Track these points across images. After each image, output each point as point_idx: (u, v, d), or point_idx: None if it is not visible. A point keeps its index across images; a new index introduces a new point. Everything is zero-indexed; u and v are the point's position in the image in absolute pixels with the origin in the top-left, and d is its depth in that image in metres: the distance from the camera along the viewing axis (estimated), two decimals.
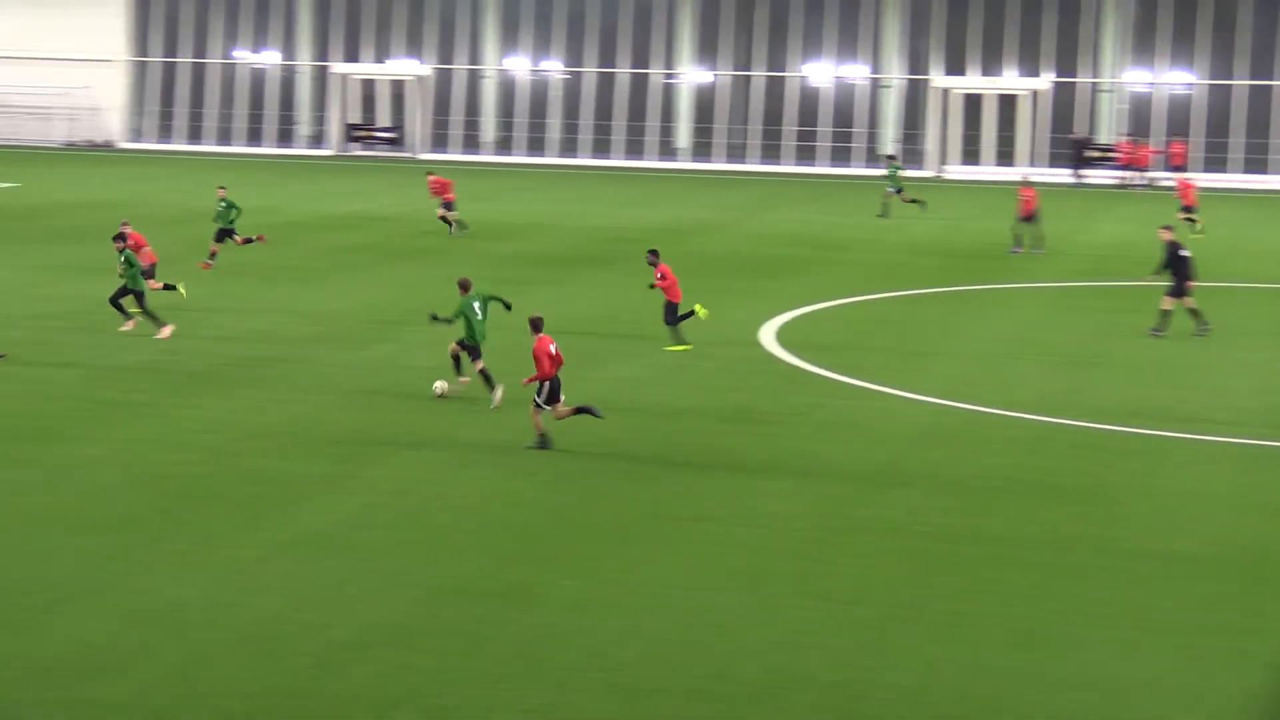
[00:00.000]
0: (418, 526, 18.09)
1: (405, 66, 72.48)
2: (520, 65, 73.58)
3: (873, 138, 72.43)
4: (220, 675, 13.77)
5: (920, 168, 71.13)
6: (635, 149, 72.46)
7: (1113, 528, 18.58)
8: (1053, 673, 14.16)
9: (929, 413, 24.33)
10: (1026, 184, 45.33)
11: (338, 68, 72.16)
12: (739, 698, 13.60)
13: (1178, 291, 30.87)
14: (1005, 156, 72.20)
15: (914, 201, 52.10)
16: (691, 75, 73.08)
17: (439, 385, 24.40)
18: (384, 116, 73.45)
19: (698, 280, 36.91)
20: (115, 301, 28.77)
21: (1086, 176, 69.74)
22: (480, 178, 63.75)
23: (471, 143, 73.11)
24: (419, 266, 38.18)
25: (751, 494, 19.67)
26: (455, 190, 44.83)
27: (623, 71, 72.78)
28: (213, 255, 36.99)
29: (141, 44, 72.92)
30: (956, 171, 71.31)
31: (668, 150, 72.75)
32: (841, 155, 71.46)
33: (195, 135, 72.73)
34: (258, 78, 73.07)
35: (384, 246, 41.50)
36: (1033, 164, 70.42)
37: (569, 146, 72.70)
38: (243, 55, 73.00)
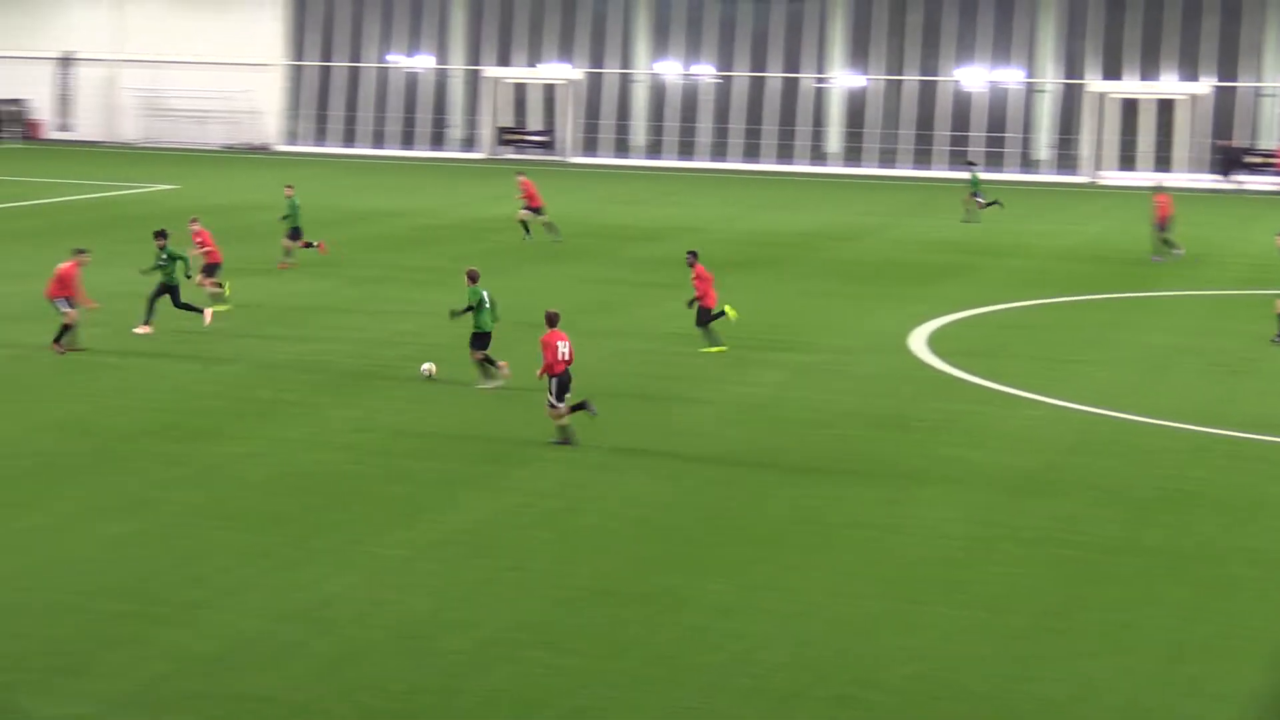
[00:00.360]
0: (564, 528, 18.11)
1: (557, 70, 72.92)
2: (671, 69, 73.69)
3: (1027, 143, 71.58)
4: (368, 672, 13.86)
5: (1075, 173, 70.11)
6: (785, 153, 72.23)
7: (1268, 540, 18.15)
8: (1209, 686, 13.84)
9: (1081, 421, 23.92)
10: (1160, 190, 44.40)
11: (490, 71, 72.75)
12: (886, 705, 13.45)
13: None
14: (1163, 162, 70.92)
15: (993, 203, 51.58)
16: (843, 79, 72.73)
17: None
18: (535, 120, 73.92)
19: (846, 286, 36.70)
20: (181, 304, 28.88)
21: (1243, 183, 68.29)
22: (630, 181, 63.88)
23: (622, 146, 73.34)
24: (566, 268, 38.30)
25: (901, 501, 19.46)
26: (541, 194, 44.22)
27: (774, 76, 72.59)
28: (288, 253, 37.35)
29: (298, 48, 74.02)
30: (1112, 177, 70.19)
31: (818, 155, 72.44)
32: (995, 160, 70.68)
33: (349, 138, 73.67)
34: (411, 81, 73.85)
35: (533, 249, 41.70)
36: (1190, 170, 69.10)
37: (719, 150, 72.66)
38: (397, 59, 73.84)
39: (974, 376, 26.78)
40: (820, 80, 72.93)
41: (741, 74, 72.99)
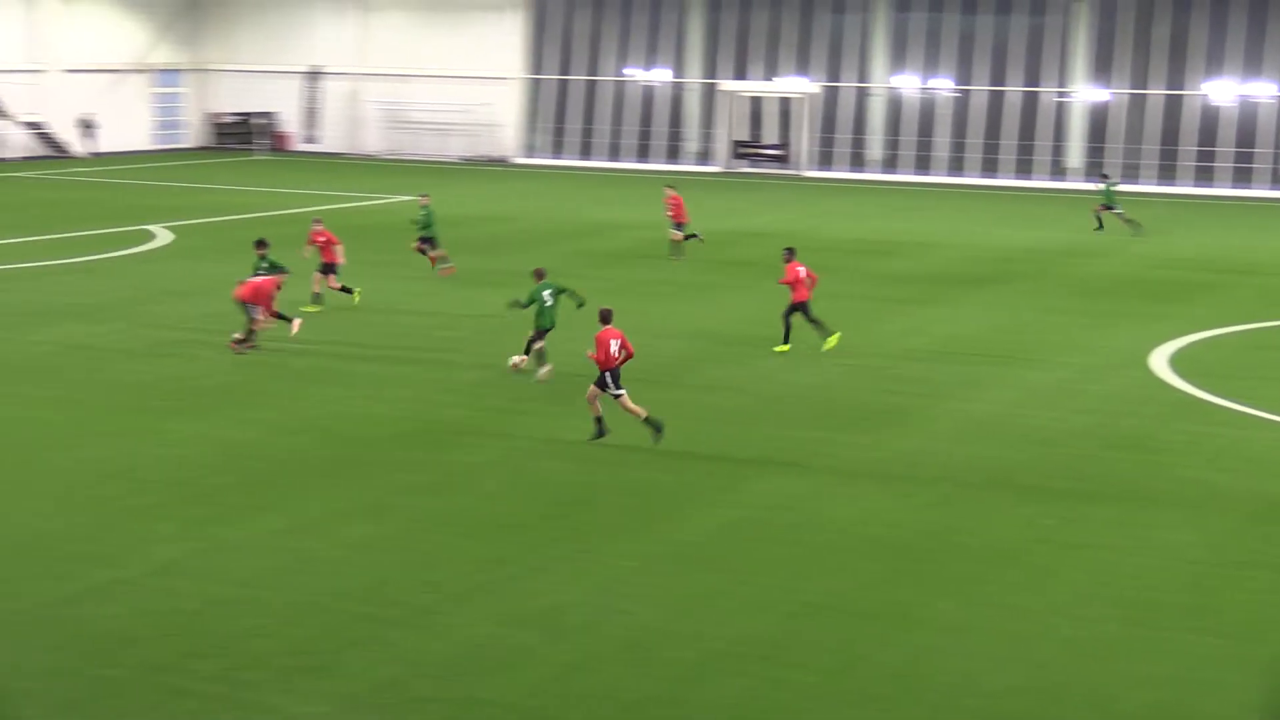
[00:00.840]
0: (793, 543, 18.06)
1: (793, 84, 72.81)
2: (909, 83, 73.08)
3: (1279, 159, 69.40)
4: (598, 681, 13.97)
5: None
6: (1024, 168, 71.09)
7: None
8: None
9: None
10: None
11: (726, 84, 72.90)
12: None
13: None
14: None
15: (1123, 216, 50.72)
16: (1085, 93, 71.39)
17: (515, 360, 26.70)
18: (771, 133, 73.90)
19: (1086, 302, 35.97)
20: (274, 312, 29.08)
21: None
22: (866, 195, 63.49)
23: (857, 160, 72.92)
24: None
25: (1140, 523, 19.02)
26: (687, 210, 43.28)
27: (1014, 90, 71.54)
28: (433, 260, 37.92)
29: (537, 62, 75.04)
30: None
31: (1058, 169, 71.17)
32: (1243, 176, 68.72)
33: (586, 151, 74.43)
34: (647, 95, 74.39)
35: (768, 262, 41.63)
36: None
37: (956, 165, 71.82)
38: (634, 72, 74.44)
39: (1218, 398, 26.06)
40: (1061, 94, 71.66)
41: (980, 88, 72.06)
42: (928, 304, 35.32)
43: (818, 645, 14.87)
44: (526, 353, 26.67)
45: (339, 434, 22.71)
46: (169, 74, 78.51)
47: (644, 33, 73.88)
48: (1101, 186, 52.17)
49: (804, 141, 72.85)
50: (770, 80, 73.43)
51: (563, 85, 74.89)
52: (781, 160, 72.74)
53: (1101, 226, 50.51)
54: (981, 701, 13.63)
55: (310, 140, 77.34)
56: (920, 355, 29.00)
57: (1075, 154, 71.62)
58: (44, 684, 13.77)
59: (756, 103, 74.24)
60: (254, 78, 78.88)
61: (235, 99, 79.36)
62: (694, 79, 73.99)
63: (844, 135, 73.00)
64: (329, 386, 25.76)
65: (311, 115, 77.38)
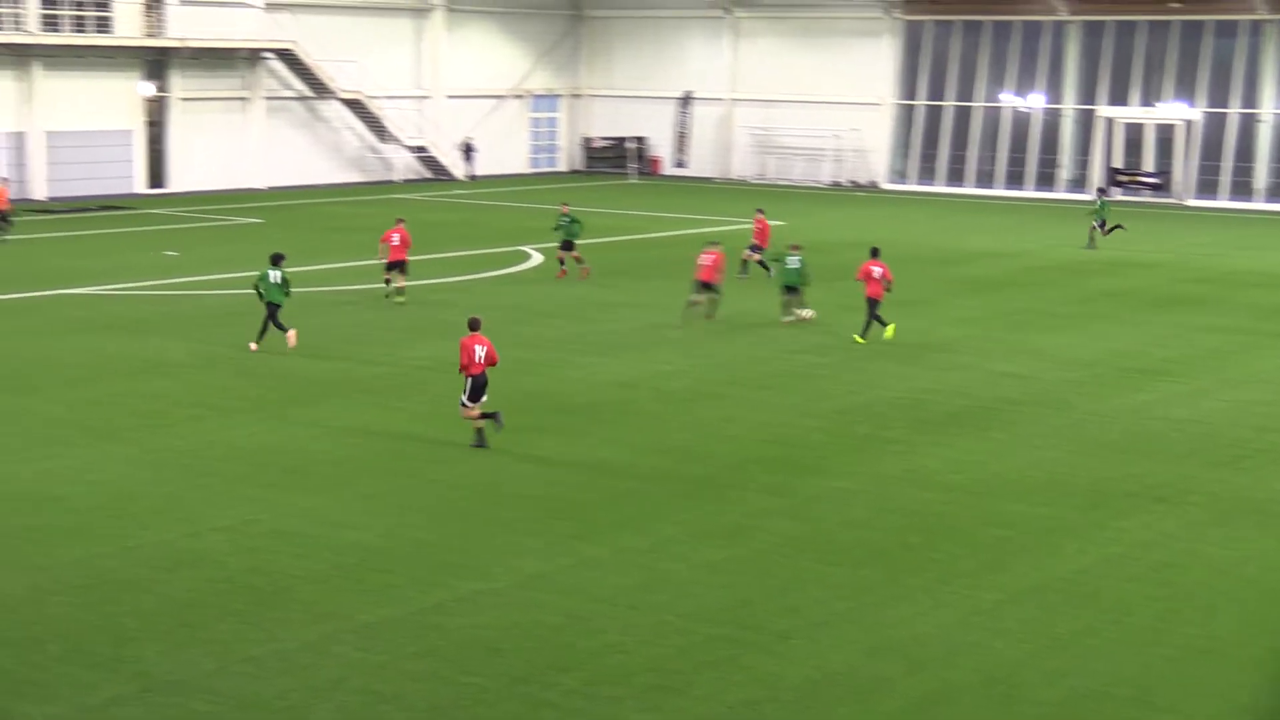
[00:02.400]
0: (1168, 582, 17.40)
1: (1173, 110, 70.54)
2: None
3: None
4: (957, 715, 13.68)
5: None
6: None
7: None
8: None
9: None
10: None
11: (1103, 111, 71.09)
12: None
13: None
14: None
15: (1117, 227, 50.37)
16: None
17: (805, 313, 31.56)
18: (1149, 161, 71.76)
19: None
20: (276, 322, 30.33)
21: None
22: (1252, 226, 61.05)
23: (1241, 189, 70.19)
24: (1178, 314, 36.87)
25: None
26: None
27: None
28: (563, 261, 41.03)
29: (908, 87, 74.43)
30: None
31: None
32: None
33: (956, 178, 73.46)
34: (1020, 121, 73.05)
35: (1142, 293, 40.40)
36: None
37: None
38: (1007, 99, 73.20)
39: None
40: None
41: None
42: None
43: (1193, 690, 14.27)
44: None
45: (702, 456, 22.84)
46: (545, 99, 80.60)
47: (1018, 58, 72.56)
48: (1096, 204, 51.52)
49: (1184, 169, 70.50)
50: (1150, 106, 71.31)
51: (934, 111, 74.14)
52: (1160, 188, 70.50)
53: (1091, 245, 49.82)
54: None
55: (680, 164, 78.34)
56: None
57: None
58: (412, 687, 14.17)
59: (1135, 129, 72.16)
60: (627, 102, 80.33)
61: (608, 123, 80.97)
62: (1069, 105, 72.36)
63: (1227, 163, 70.35)
64: (694, 409, 25.94)
65: (682, 140, 78.39)
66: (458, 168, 74.57)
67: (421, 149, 73.36)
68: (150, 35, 63.17)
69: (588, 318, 34.80)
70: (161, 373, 28.29)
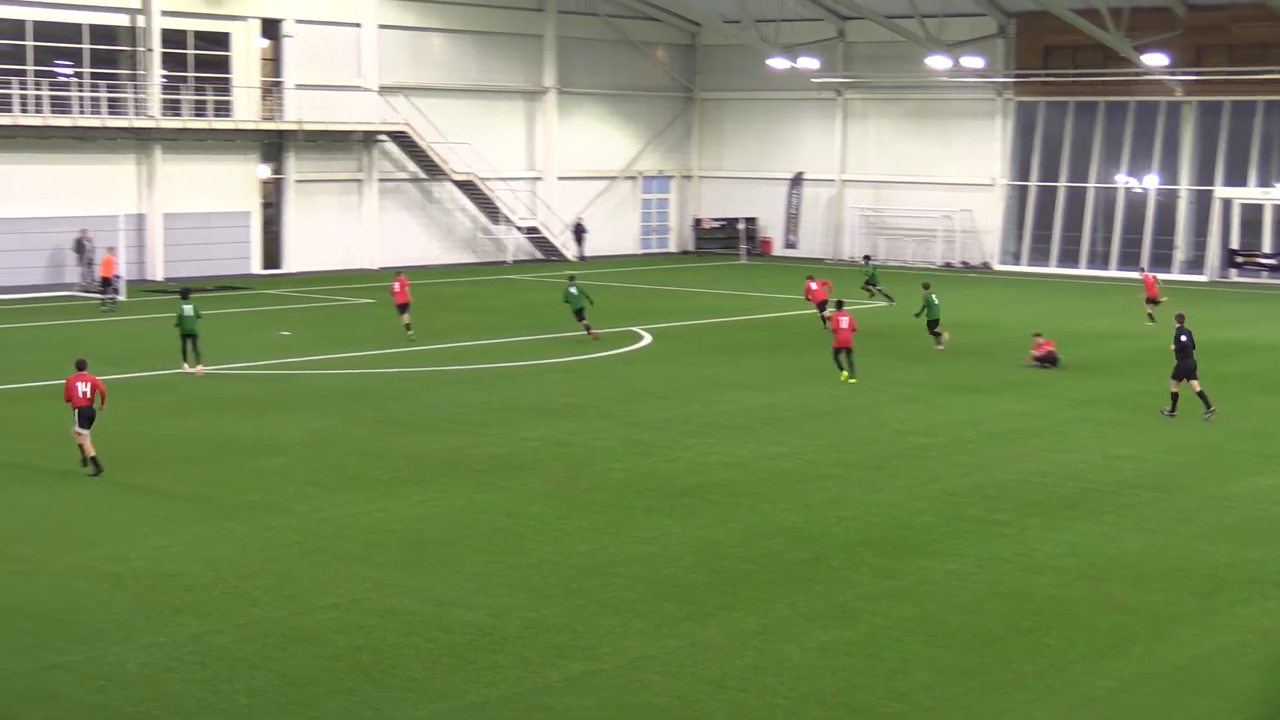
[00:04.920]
0: None
1: None
2: None
3: None
4: None
5: None
6: None
7: None
8: None
9: None
10: None
11: (1220, 192, 70.36)
12: None
13: None
14: None
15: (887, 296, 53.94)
16: None
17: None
18: (1266, 242, 70.87)
19: None
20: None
21: None
22: None
23: None
24: None
25: None
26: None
27: None
28: (587, 329, 43.92)
29: (1021, 169, 74.08)
30: None
31: None
32: None
33: (1070, 259, 72.85)
34: (1135, 202, 72.44)
35: (1262, 376, 39.82)
36: None
37: None
38: (1121, 179, 72.67)
39: None
40: None
41: None
42: None
43: None
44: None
45: (810, 537, 22.74)
46: (656, 180, 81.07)
47: (1132, 138, 72.04)
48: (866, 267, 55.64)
49: None
50: (1268, 187, 70.51)
51: (1047, 191, 73.71)
52: (1278, 269, 69.54)
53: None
54: None
55: (791, 245, 78.42)
56: None
57: None
58: None
59: (1252, 210, 71.35)
60: (738, 183, 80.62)
61: (719, 205, 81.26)
62: (1185, 185, 71.71)
63: None
64: (804, 490, 25.85)
65: (793, 220, 78.49)
66: (569, 248, 75.10)
67: (533, 230, 74.01)
68: (267, 119, 64.35)
69: (698, 398, 34.83)
70: (277, 451, 28.63)
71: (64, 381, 27.07)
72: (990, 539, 22.83)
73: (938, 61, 70.10)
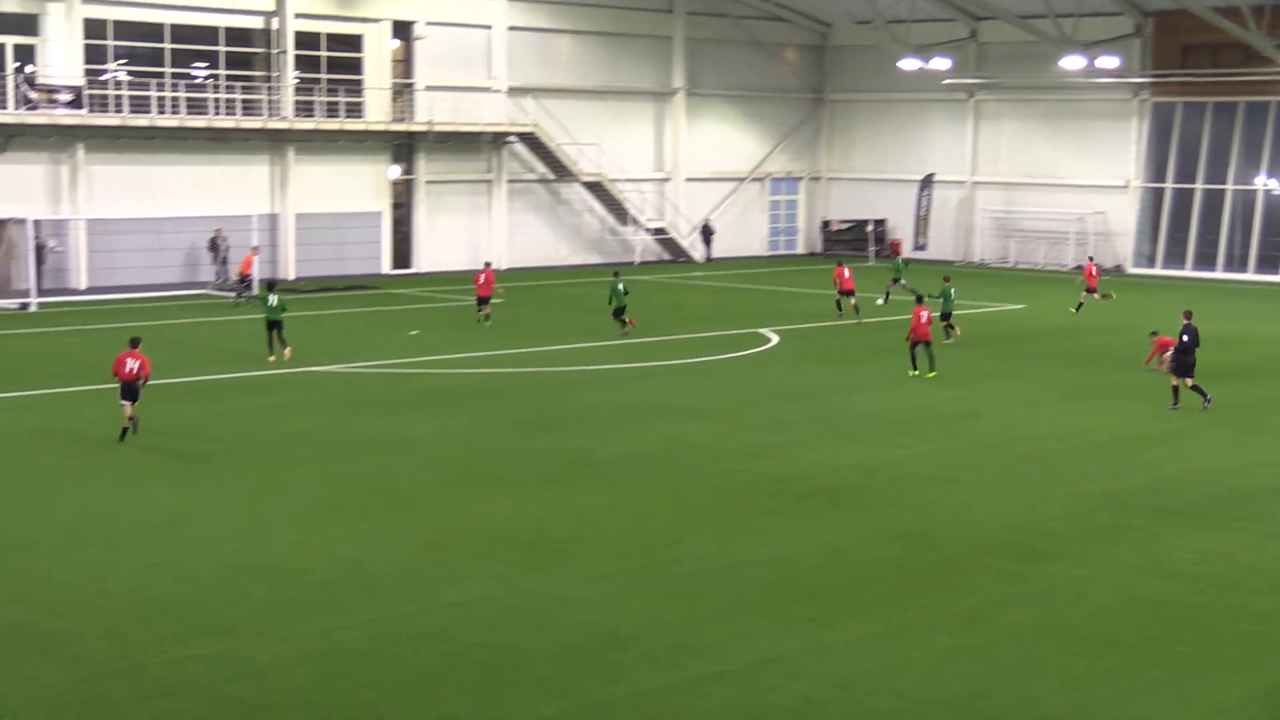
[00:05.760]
0: None
1: None
2: None
3: None
4: None
5: None
6: None
7: None
8: None
9: None
10: None
11: None
12: None
13: None
14: None
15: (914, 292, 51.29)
16: None
17: None
18: None
19: None
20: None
21: None
22: None
23: None
24: None
25: None
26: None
27: None
28: (628, 325, 45.48)
29: (1157, 170, 72.98)
30: None
31: None
32: None
33: (1206, 262, 71.71)
34: (1275, 204, 71.13)
35: None
36: None
37: None
38: (1261, 181, 71.39)
39: None
40: None
41: None
42: None
43: None
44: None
45: (936, 541, 22.57)
46: (785, 182, 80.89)
47: (1272, 140, 70.72)
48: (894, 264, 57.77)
49: None
50: None
51: (1183, 193, 72.60)
52: None
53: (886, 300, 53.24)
54: None
55: (920, 247, 77.84)
56: None
57: None
58: None
59: None
60: (867, 185, 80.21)
61: (848, 206, 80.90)
62: None
63: None
64: (931, 494, 25.68)
65: (923, 222, 77.93)
66: (696, 250, 75.13)
67: (661, 231, 74.12)
68: (398, 120, 65.00)
69: (825, 400, 34.71)
70: (406, 449, 28.91)
71: (115, 357, 29.60)
72: (1121, 545, 22.53)
73: (1072, 62, 69.26)
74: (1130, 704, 15.89)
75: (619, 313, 45.63)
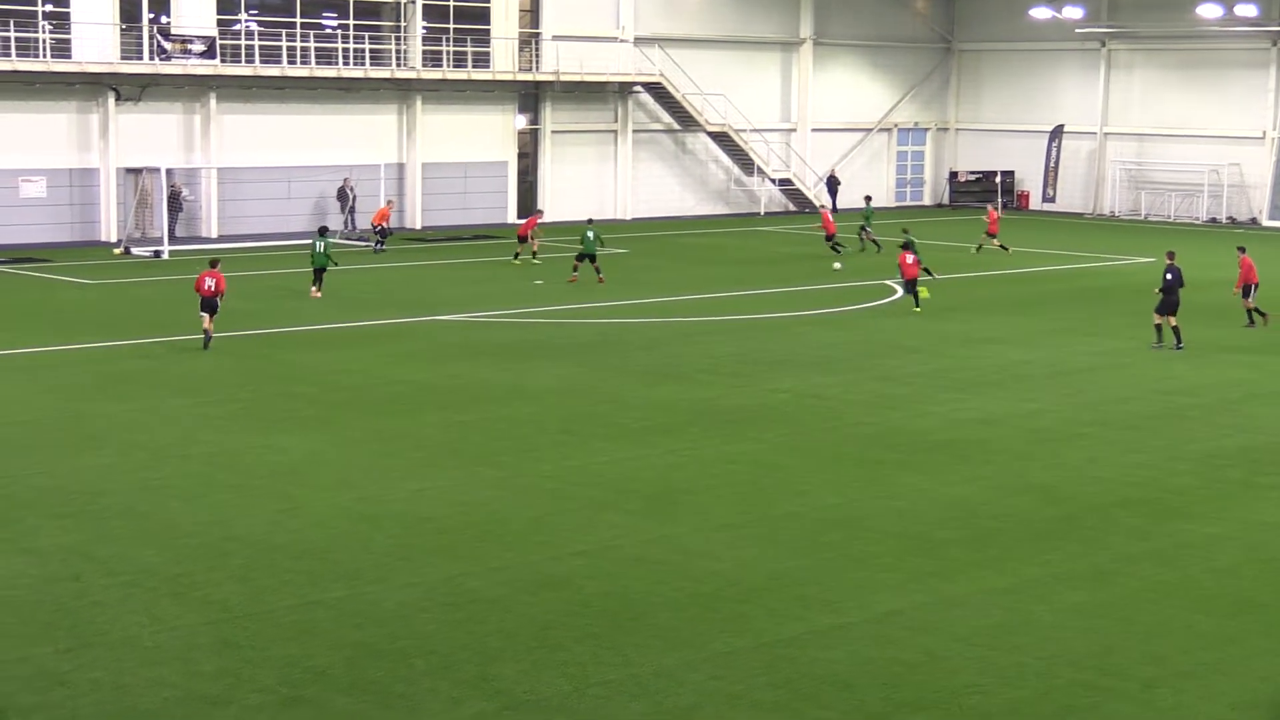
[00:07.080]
0: None
1: None
2: None
3: None
4: None
5: None
6: None
7: None
8: None
9: None
10: None
11: None
12: None
13: None
14: None
15: (873, 241, 56.04)
16: None
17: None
18: None
19: None
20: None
21: None
22: None
23: None
24: None
25: None
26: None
27: None
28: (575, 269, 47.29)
29: None
30: None
31: None
32: None
33: None
34: None
35: None
36: None
37: None
38: None
39: None
40: None
41: None
42: None
43: None
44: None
45: (1063, 496, 22.33)
46: (912, 132, 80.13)
47: None
48: (864, 209, 58.33)
49: None
50: None
51: None
52: None
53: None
54: None
55: (1049, 199, 76.84)
56: None
57: None
58: (765, 719, 14.20)
59: None
60: (995, 136, 79.24)
61: (976, 157, 79.99)
62: None
63: None
64: (1057, 449, 25.39)
65: (1052, 174, 76.90)
66: (822, 200, 74.72)
67: (786, 182, 73.73)
68: (525, 70, 65.06)
69: (951, 353, 34.41)
70: (530, 399, 29.04)
71: (196, 275, 34.10)
72: (1254, 503, 22.16)
73: (1209, 10, 67.92)
74: (1261, 663, 15.64)
75: (584, 258, 45.89)
